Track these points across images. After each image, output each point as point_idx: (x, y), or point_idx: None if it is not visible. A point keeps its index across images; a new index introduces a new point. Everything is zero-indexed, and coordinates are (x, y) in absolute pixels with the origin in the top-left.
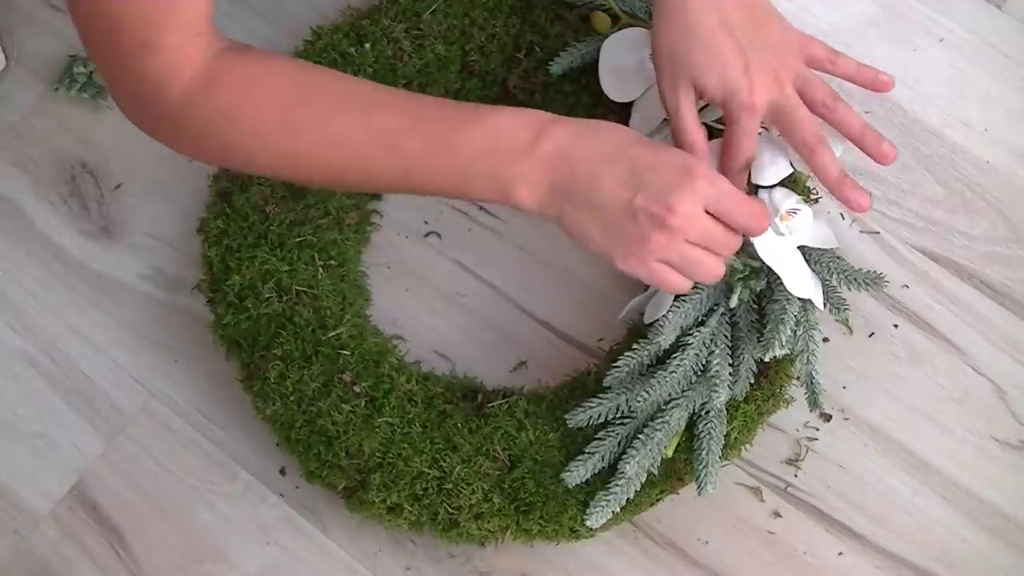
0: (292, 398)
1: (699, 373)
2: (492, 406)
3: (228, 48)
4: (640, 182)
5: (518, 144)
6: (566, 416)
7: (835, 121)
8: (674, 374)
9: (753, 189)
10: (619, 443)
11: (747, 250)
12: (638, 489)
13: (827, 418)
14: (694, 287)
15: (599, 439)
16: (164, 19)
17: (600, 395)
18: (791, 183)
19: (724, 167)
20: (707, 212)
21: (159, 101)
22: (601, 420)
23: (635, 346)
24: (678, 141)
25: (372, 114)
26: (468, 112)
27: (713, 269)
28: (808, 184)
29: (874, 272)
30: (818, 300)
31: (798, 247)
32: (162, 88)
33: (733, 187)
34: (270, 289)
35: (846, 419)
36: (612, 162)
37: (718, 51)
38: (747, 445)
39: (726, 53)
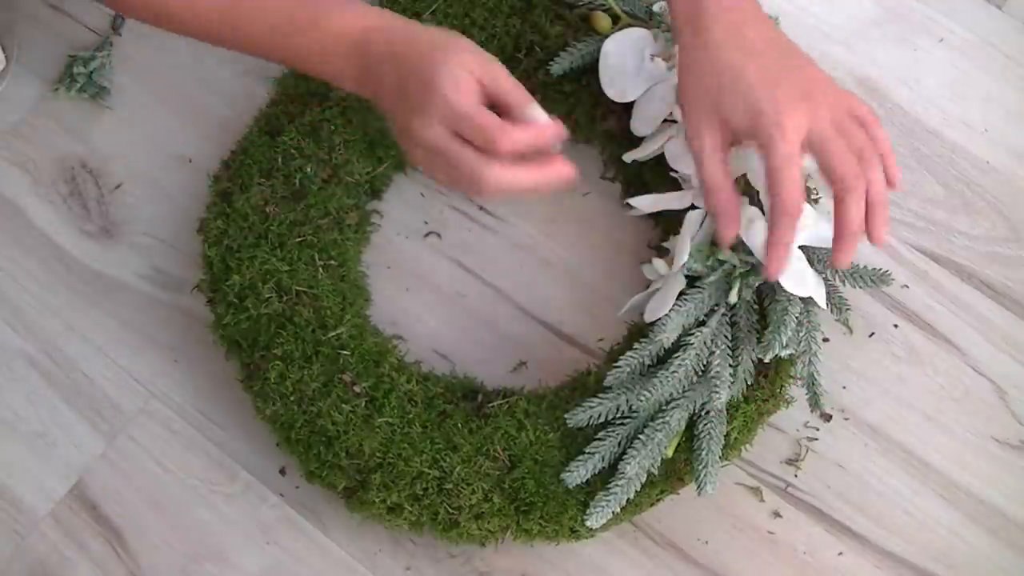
0: (292, 398)
1: (700, 373)
2: (492, 406)
3: None
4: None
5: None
6: (566, 416)
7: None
8: (675, 374)
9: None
10: (619, 443)
11: (745, 247)
12: (638, 489)
13: (827, 418)
14: (693, 285)
15: (599, 439)
16: None
17: (600, 395)
18: None
19: (770, 218)
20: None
21: None
22: (601, 420)
23: (636, 346)
24: (707, 201)
25: None
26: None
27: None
28: (808, 184)
29: (879, 270)
30: (820, 299)
31: (799, 246)
32: None
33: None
34: (270, 289)
35: (846, 419)
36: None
37: (742, 77)
38: (747, 445)
39: (751, 77)
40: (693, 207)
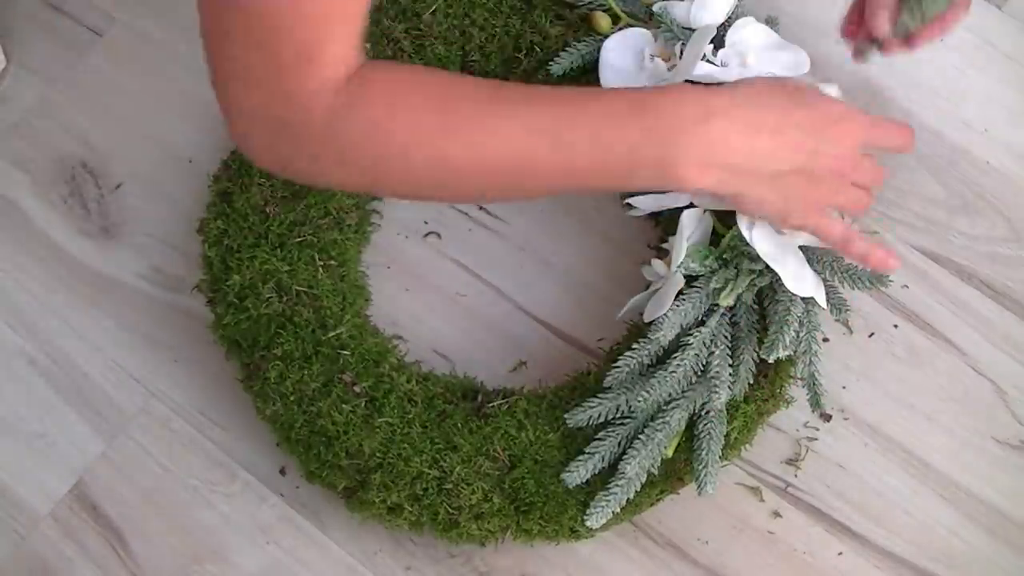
0: (292, 398)
1: (699, 373)
2: (492, 406)
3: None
4: (811, 147)
5: (683, 125)
6: (566, 416)
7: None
8: (674, 374)
9: None
10: (619, 443)
11: (748, 252)
12: (638, 489)
13: (827, 418)
14: (692, 285)
15: (599, 439)
16: (331, 29)
17: (600, 395)
18: None
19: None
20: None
21: (304, 122)
22: (601, 420)
23: (635, 346)
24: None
25: (531, 107)
26: (629, 97)
27: (867, 201)
28: None
29: (877, 271)
30: (821, 299)
31: (799, 247)
32: (309, 106)
33: (876, 119)
34: (270, 289)
35: (846, 419)
36: (781, 133)
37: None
38: (747, 445)
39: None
40: (691, 206)
